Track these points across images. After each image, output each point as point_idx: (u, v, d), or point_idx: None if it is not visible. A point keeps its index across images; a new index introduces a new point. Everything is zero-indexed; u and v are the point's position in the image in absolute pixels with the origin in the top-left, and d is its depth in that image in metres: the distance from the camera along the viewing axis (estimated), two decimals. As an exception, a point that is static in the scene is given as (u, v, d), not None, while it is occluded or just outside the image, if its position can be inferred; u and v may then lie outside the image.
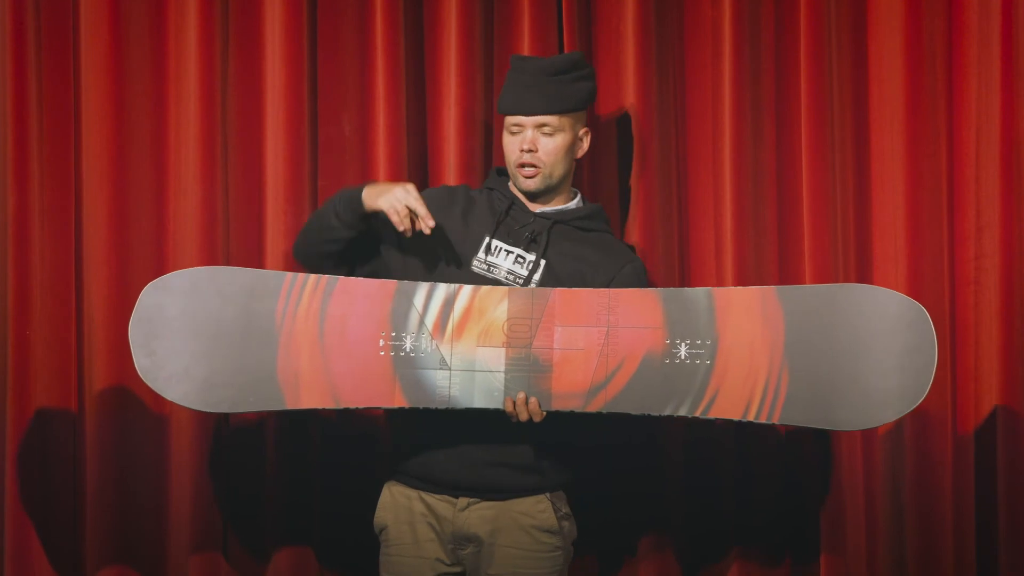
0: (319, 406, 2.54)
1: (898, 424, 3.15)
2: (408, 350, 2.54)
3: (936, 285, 3.16)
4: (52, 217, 3.03)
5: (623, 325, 2.52)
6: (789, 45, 3.17)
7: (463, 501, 2.62)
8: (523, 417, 2.51)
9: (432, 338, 2.54)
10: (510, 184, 2.73)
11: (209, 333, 2.54)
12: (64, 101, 3.05)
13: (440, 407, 2.52)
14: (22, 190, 3.01)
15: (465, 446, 2.60)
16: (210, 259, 3.04)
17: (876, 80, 3.18)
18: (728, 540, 3.14)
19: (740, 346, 2.51)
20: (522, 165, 2.65)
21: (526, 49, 3.10)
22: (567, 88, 2.66)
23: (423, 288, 2.55)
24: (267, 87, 3.08)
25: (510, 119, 2.67)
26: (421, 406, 2.53)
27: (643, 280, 2.73)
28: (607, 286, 2.63)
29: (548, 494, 2.65)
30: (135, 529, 3.03)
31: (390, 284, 2.57)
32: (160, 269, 3.04)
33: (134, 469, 3.03)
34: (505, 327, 2.54)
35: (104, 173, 3.04)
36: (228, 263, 3.06)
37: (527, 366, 2.52)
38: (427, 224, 2.53)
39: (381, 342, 2.54)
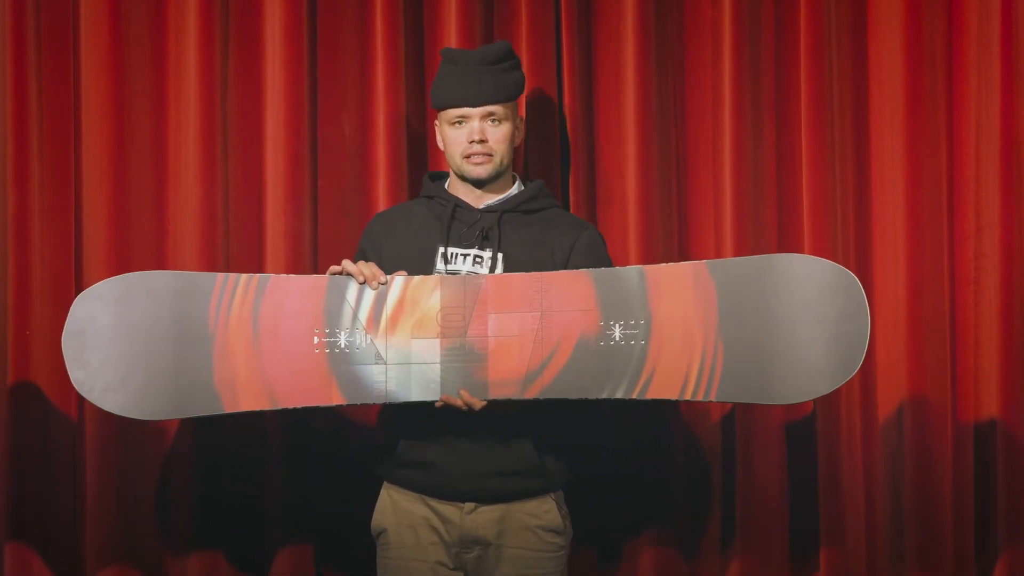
0: (256, 408, 2.51)
1: (898, 424, 3.16)
2: (343, 346, 2.51)
3: (936, 285, 3.16)
4: (52, 217, 3.03)
5: (557, 309, 2.51)
6: (789, 45, 3.17)
7: (470, 505, 2.61)
8: (462, 405, 2.49)
9: (366, 332, 2.51)
10: (447, 186, 2.73)
11: (143, 340, 2.50)
12: (64, 101, 3.05)
13: (377, 402, 2.51)
14: (22, 190, 3.02)
15: (469, 458, 2.58)
16: (210, 259, 3.04)
17: (876, 80, 3.19)
18: (729, 539, 3.14)
19: (674, 324, 2.49)
20: (471, 155, 2.65)
21: (525, 50, 3.10)
22: (506, 77, 2.67)
23: (355, 282, 2.54)
24: (267, 87, 3.08)
25: (453, 112, 2.65)
26: (359, 403, 2.51)
27: (601, 246, 2.72)
28: (567, 258, 2.64)
29: (552, 494, 2.65)
30: (135, 529, 3.03)
31: (322, 280, 2.55)
32: (160, 268, 3.04)
33: (134, 469, 3.03)
34: (439, 317, 2.51)
35: (104, 173, 3.04)
36: (228, 263, 3.06)
37: (462, 356, 2.50)
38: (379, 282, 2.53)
39: (315, 339, 2.52)
